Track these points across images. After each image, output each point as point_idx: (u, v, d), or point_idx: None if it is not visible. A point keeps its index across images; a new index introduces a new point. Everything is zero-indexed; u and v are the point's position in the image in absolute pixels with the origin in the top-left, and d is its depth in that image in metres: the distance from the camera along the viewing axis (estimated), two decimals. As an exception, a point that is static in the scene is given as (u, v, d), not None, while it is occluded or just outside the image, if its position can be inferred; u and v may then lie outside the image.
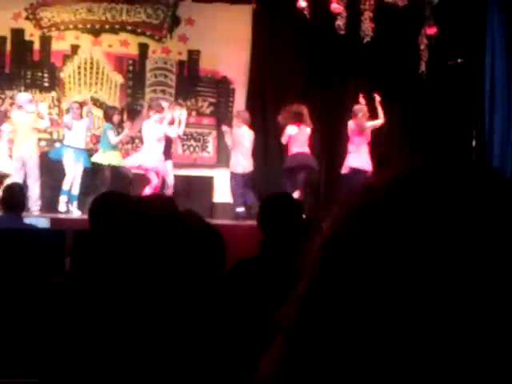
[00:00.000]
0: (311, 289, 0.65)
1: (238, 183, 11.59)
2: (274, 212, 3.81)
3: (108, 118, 11.85)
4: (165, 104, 11.78)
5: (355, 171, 11.03)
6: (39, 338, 2.92)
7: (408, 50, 11.71)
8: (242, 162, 11.55)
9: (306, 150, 11.40)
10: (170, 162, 11.73)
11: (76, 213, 11.26)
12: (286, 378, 0.65)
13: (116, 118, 11.88)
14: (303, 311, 0.65)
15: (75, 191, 11.56)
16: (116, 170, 11.64)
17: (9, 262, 5.94)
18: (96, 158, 11.65)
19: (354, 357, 0.60)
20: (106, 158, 11.61)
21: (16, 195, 6.99)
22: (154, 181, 11.34)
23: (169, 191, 11.43)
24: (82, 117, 11.81)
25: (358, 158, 11.21)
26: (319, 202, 11.65)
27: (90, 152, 11.92)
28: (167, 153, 11.67)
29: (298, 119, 11.27)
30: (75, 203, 11.46)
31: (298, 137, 11.32)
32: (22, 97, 11.70)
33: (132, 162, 11.55)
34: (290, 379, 0.65)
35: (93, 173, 11.72)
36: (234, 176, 11.63)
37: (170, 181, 11.66)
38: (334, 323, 0.62)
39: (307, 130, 11.37)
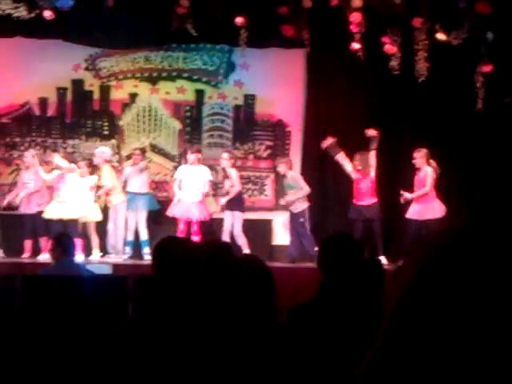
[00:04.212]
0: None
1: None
2: (335, 252, 3.73)
3: None
4: (225, 156, 11.78)
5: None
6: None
7: (464, 88, 11.67)
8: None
9: (372, 199, 11.40)
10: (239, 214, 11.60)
11: (148, 258, 10.93)
12: None
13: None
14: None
15: (144, 236, 11.65)
16: None
17: (71, 309, 6.03)
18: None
19: None
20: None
21: (66, 242, 7.00)
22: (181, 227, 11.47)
23: (240, 241, 11.39)
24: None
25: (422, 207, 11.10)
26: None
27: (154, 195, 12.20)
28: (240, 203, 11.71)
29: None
30: (146, 248, 11.44)
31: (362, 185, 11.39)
32: (107, 150, 12.06)
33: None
34: None
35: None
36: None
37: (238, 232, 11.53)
38: None
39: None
